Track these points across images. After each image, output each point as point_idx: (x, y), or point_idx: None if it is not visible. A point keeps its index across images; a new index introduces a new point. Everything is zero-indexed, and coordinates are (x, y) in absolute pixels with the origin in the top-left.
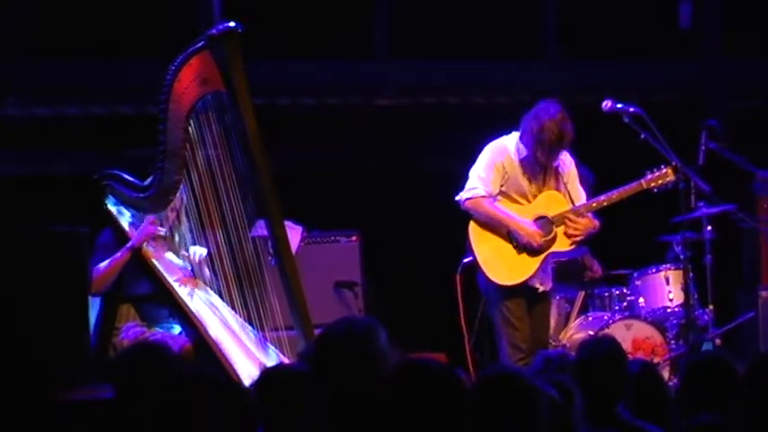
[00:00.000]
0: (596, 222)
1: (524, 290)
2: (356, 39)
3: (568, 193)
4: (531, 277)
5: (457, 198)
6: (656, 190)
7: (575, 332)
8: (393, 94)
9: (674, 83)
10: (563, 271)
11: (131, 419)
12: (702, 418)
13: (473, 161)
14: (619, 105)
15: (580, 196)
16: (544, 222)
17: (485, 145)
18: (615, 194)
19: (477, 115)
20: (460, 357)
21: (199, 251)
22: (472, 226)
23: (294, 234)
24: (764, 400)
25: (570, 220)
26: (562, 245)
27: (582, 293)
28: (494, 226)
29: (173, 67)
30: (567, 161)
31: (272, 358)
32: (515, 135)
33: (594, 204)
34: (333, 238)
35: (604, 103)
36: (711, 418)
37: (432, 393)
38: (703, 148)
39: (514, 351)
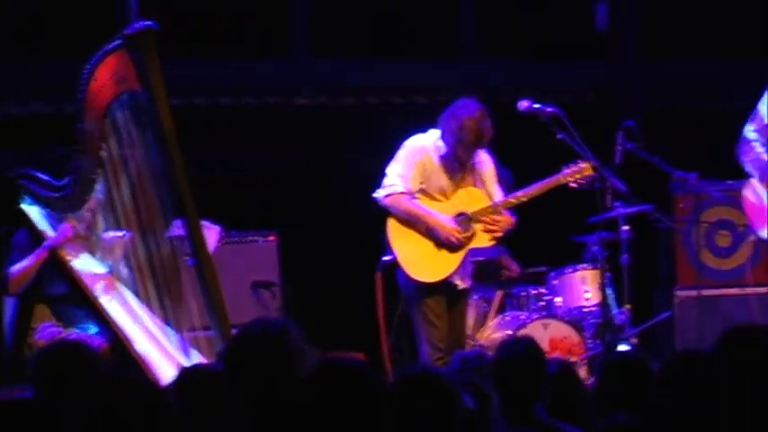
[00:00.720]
0: (513, 219)
1: (444, 287)
2: (275, 38)
3: (486, 190)
4: (451, 274)
5: (375, 195)
6: (574, 185)
7: (492, 332)
8: (312, 93)
9: (591, 83)
10: (481, 271)
11: (51, 419)
12: (619, 418)
13: (391, 159)
14: (536, 105)
15: (495, 196)
16: (463, 219)
17: (402, 143)
18: (533, 190)
19: (396, 115)
20: (380, 357)
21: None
22: (391, 223)
23: (211, 234)
24: (680, 400)
25: (490, 215)
26: (482, 241)
27: (500, 293)
28: (412, 223)
29: (89, 66)
30: (485, 160)
31: (191, 359)
32: (434, 133)
33: (513, 200)
34: (250, 238)
35: (521, 103)
36: (628, 418)
37: (350, 392)
38: (620, 148)
39: (433, 350)
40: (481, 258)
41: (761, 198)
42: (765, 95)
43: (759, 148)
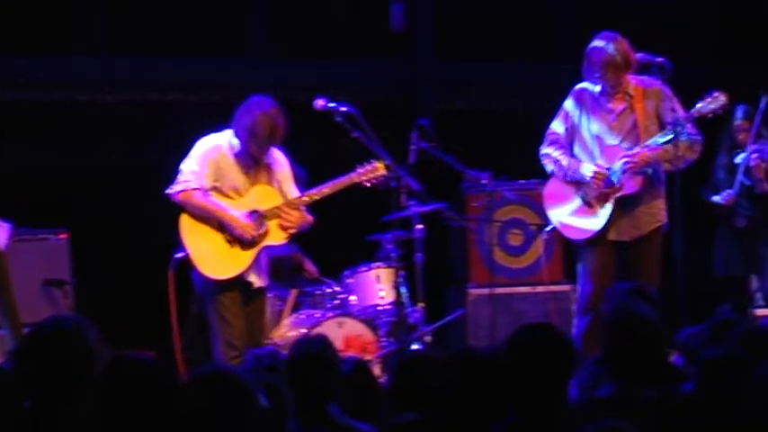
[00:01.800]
0: (310, 217)
1: (238, 285)
2: (75, 34)
3: (282, 191)
4: (244, 271)
5: (168, 191)
6: (367, 184)
7: (287, 330)
8: (103, 90)
9: (387, 83)
10: (275, 269)
11: None
12: (411, 416)
13: (185, 157)
14: (331, 104)
15: (291, 196)
16: (257, 216)
17: (197, 141)
18: (327, 188)
19: (191, 113)
20: (173, 356)
21: None
22: (184, 219)
23: (2, 231)
24: (463, 396)
25: (284, 211)
26: (276, 238)
27: (294, 291)
28: (206, 218)
29: None
30: (280, 160)
31: None
32: (228, 132)
33: (306, 198)
34: (41, 235)
35: (316, 102)
36: (419, 416)
37: (141, 390)
38: (414, 147)
39: (228, 349)
40: (275, 256)
41: (561, 185)
42: (570, 96)
43: (555, 153)
